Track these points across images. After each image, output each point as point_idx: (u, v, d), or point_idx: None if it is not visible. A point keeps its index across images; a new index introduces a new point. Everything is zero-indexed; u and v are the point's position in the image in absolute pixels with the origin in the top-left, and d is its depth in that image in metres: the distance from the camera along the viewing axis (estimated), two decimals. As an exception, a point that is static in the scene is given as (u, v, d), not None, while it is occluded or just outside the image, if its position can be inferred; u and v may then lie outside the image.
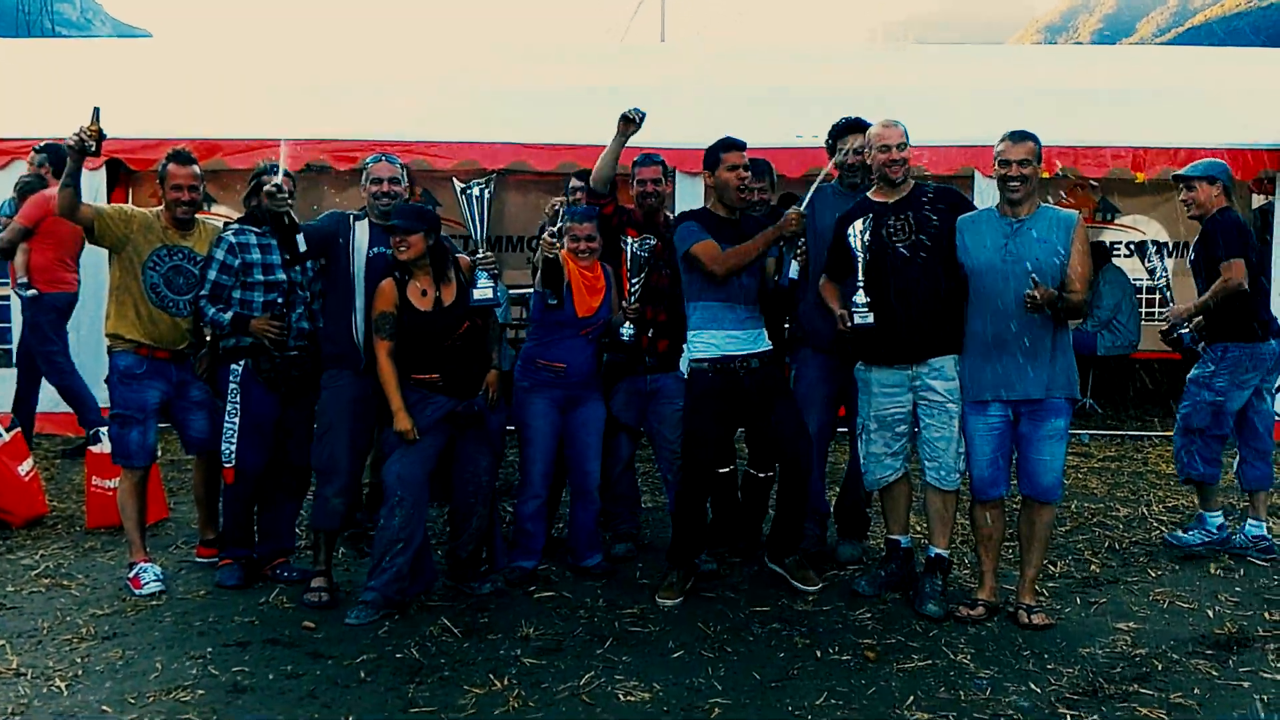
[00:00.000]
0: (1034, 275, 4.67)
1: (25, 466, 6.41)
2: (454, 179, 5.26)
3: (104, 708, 3.99)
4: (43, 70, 10.63)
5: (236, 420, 5.28)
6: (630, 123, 5.42)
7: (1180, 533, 6.16)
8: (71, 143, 4.97)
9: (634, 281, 5.40)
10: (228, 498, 5.40)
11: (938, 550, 5.18)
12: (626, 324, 5.42)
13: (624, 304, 5.44)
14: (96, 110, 5.02)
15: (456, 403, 5.02)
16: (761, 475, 5.57)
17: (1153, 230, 12.53)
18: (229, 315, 5.21)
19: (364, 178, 5.32)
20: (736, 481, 5.81)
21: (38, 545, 5.97)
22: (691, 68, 10.98)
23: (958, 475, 5.08)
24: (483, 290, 5.04)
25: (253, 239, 5.26)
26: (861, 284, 5.00)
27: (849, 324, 5.01)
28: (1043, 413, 4.85)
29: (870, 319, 4.97)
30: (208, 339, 5.55)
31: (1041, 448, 4.87)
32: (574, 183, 6.35)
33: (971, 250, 4.91)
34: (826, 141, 5.72)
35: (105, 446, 6.17)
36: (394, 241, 4.94)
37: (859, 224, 4.99)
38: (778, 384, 5.28)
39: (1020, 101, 9.59)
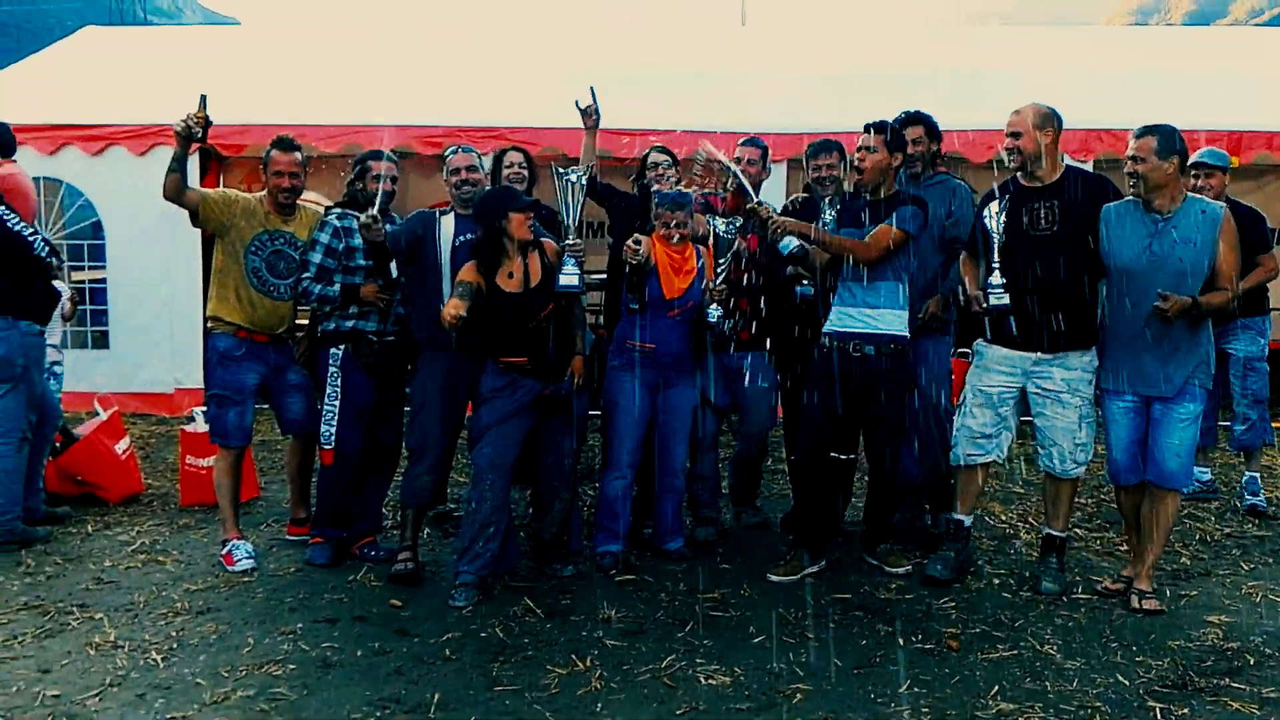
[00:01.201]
0: (1161, 292, 4.59)
1: (122, 445, 6.59)
2: (552, 165, 5.31)
3: (199, 680, 4.09)
4: (136, 57, 10.87)
5: (337, 404, 5.40)
6: (586, 114, 5.55)
7: (1257, 499, 6.56)
8: (179, 129, 5.16)
9: (720, 263, 5.36)
10: (324, 479, 5.50)
11: (1050, 530, 5.19)
12: (714, 305, 5.36)
13: (709, 286, 5.39)
14: (204, 98, 5.20)
15: (544, 385, 5.05)
16: (845, 458, 5.47)
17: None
18: (337, 288, 5.32)
19: (444, 169, 5.42)
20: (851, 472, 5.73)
21: (133, 522, 6.14)
22: (772, 50, 10.91)
23: (1076, 465, 5.03)
24: (568, 276, 5.07)
25: (355, 224, 5.34)
26: (997, 265, 4.95)
27: (984, 304, 4.97)
28: (1176, 398, 4.80)
29: (1006, 300, 4.92)
30: (306, 323, 5.67)
31: (1171, 431, 4.81)
32: (653, 157, 6.17)
33: (1114, 246, 4.83)
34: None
35: (200, 425, 6.34)
36: (522, 220, 4.96)
37: (995, 205, 4.95)
38: (893, 376, 5.15)
39: (1108, 84, 9.42)
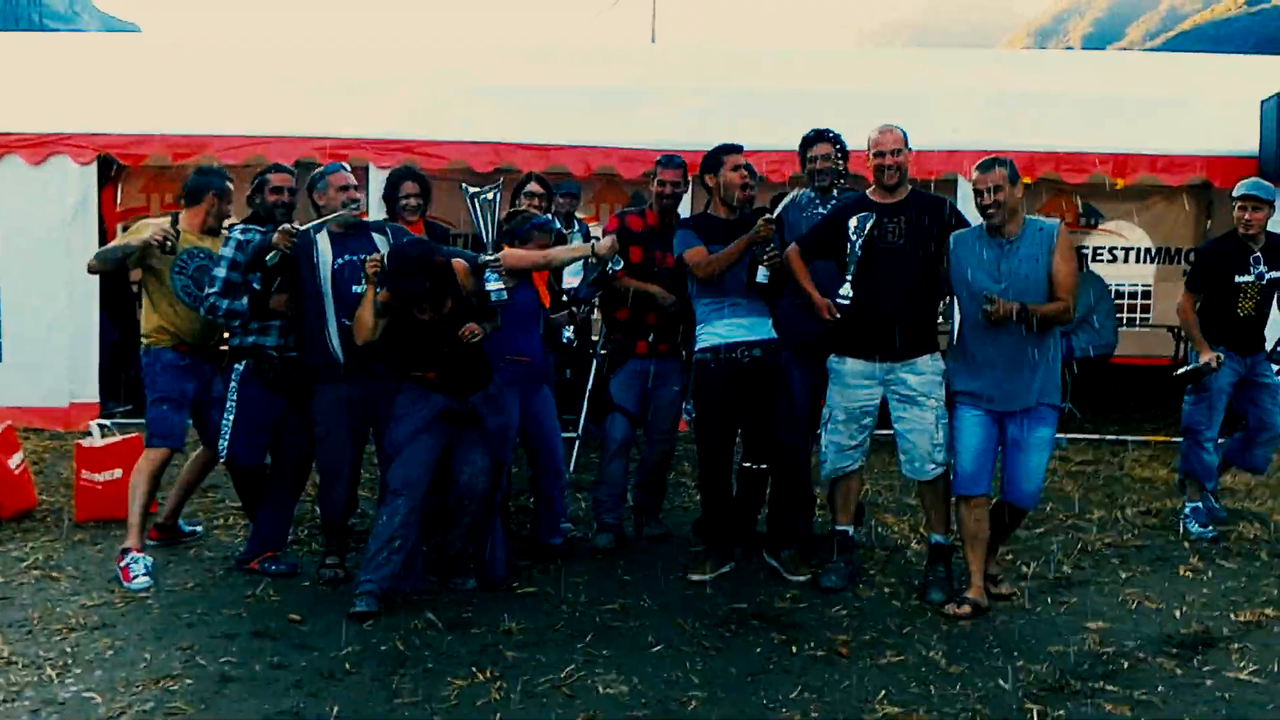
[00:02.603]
0: (987, 294, 4.86)
1: (15, 459, 6.47)
2: (463, 185, 5.39)
3: (94, 696, 4.07)
4: (34, 65, 10.65)
5: (232, 418, 5.44)
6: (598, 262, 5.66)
7: None
8: (156, 241, 5.34)
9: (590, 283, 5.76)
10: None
11: (937, 538, 5.38)
12: (569, 328, 5.76)
13: (572, 309, 5.79)
14: (175, 215, 5.59)
15: (452, 401, 5.11)
16: (756, 468, 5.68)
17: (1135, 236, 12.70)
18: (245, 301, 5.32)
19: (322, 186, 5.34)
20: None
21: (27, 538, 6.04)
22: (680, 68, 11.06)
23: (933, 466, 5.23)
24: (496, 291, 5.08)
25: (257, 237, 5.35)
26: (850, 277, 5.16)
27: (832, 314, 5.17)
28: (1031, 421, 5.04)
29: (849, 297, 5.14)
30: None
31: (1030, 454, 5.06)
32: (530, 186, 6.42)
33: (963, 269, 5.06)
34: (798, 150, 5.94)
35: (96, 440, 6.28)
36: (404, 299, 4.91)
37: (856, 220, 5.16)
38: (777, 376, 5.48)
39: (1002, 106, 9.72)
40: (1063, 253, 4.96)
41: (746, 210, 5.64)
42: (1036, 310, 4.86)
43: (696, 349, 5.52)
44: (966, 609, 5.06)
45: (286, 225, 5.18)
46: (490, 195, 5.21)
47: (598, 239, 5.70)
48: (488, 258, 5.15)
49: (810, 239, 5.42)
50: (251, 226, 5.44)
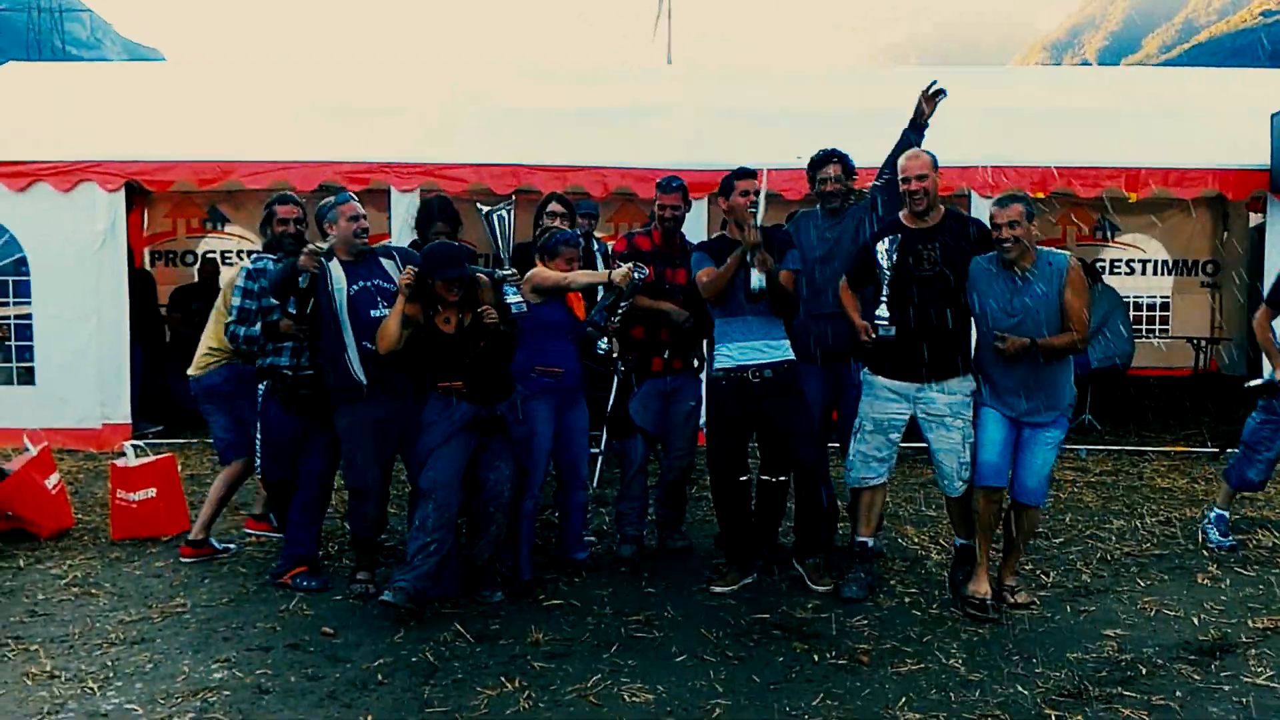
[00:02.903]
0: (997, 333, 5.06)
1: (52, 480, 6.62)
2: (478, 204, 5.61)
3: (135, 708, 4.19)
4: (61, 94, 10.87)
5: (258, 437, 5.68)
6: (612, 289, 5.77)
7: None
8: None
9: (621, 305, 5.77)
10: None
11: (963, 540, 5.54)
12: (604, 340, 5.81)
13: (607, 321, 5.82)
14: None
15: (479, 409, 5.27)
16: (775, 480, 5.80)
17: (1152, 249, 12.75)
18: (258, 327, 5.57)
19: (332, 216, 5.46)
20: (749, 491, 6.00)
21: (65, 556, 6.18)
22: (695, 89, 11.20)
23: (960, 484, 5.36)
24: (517, 304, 5.32)
25: (269, 265, 5.58)
26: (885, 299, 5.29)
27: (872, 336, 5.29)
28: (1043, 424, 5.22)
29: (893, 332, 5.28)
30: None
31: (1036, 453, 5.24)
32: (552, 206, 6.74)
33: (981, 298, 5.20)
34: (807, 172, 6.08)
35: (130, 460, 6.42)
36: (445, 286, 5.17)
37: (885, 243, 5.28)
38: (792, 392, 5.56)
39: (1015, 122, 9.81)
40: (1074, 288, 5.09)
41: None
42: (1047, 345, 5.02)
43: (713, 369, 5.67)
44: (1024, 595, 5.39)
45: (312, 246, 5.32)
46: (503, 212, 5.44)
47: (619, 264, 5.80)
48: (504, 272, 5.34)
49: (851, 268, 5.56)
50: (265, 255, 5.69)
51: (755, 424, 5.60)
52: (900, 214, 5.49)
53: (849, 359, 5.82)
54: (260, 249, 5.98)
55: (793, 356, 5.60)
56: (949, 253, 5.30)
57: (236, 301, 5.63)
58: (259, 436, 5.75)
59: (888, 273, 5.27)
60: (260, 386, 5.71)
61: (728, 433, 5.62)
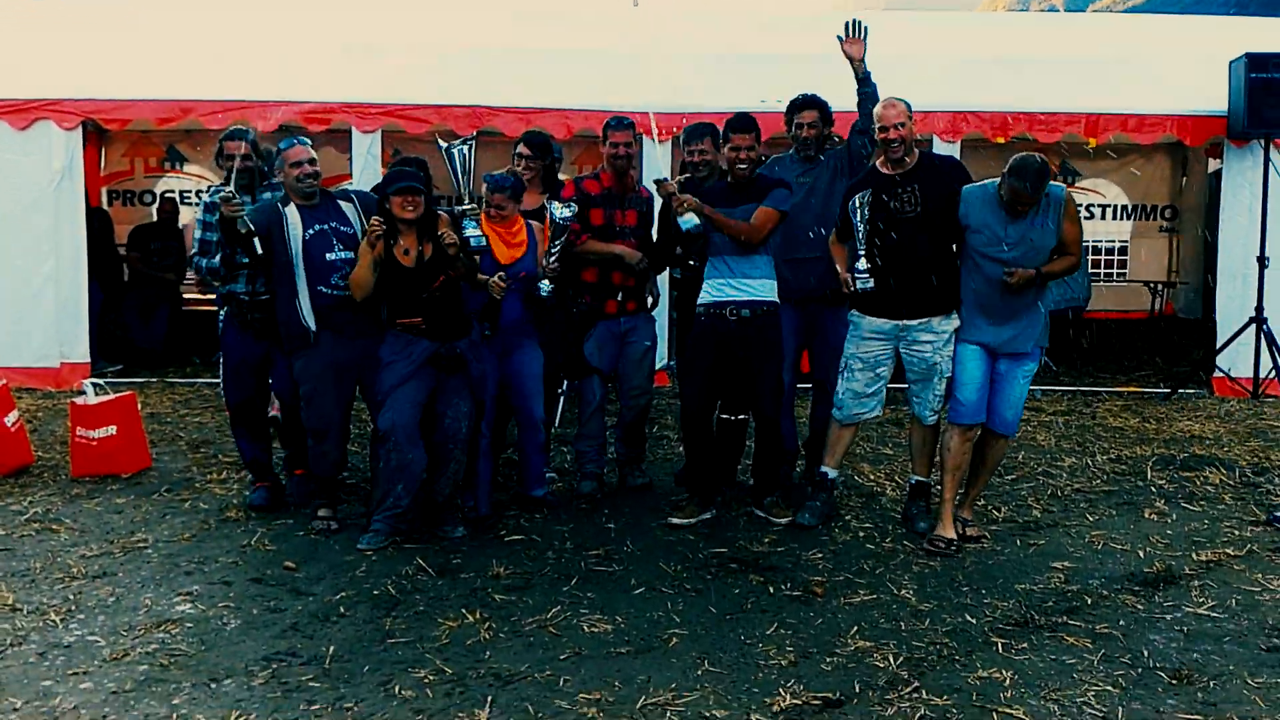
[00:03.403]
0: (1006, 269, 5.16)
1: (11, 418, 6.59)
2: (438, 139, 5.59)
3: (98, 639, 4.23)
4: (16, 30, 10.66)
5: (220, 360, 5.87)
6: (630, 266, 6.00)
7: None
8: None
9: (554, 244, 5.71)
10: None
11: (919, 478, 5.71)
12: (545, 281, 5.74)
13: (543, 263, 5.73)
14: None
15: (438, 345, 5.31)
16: (735, 419, 5.94)
17: (1113, 193, 12.87)
18: (218, 259, 5.60)
19: (279, 163, 5.50)
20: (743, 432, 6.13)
21: (24, 493, 6.18)
22: (661, 32, 11.14)
23: (931, 414, 5.54)
24: (476, 237, 5.35)
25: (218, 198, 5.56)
26: (862, 251, 5.37)
27: (852, 287, 5.39)
28: (1020, 355, 5.39)
29: (871, 284, 5.36)
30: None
31: (1013, 385, 5.42)
32: (520, 148, 6.45)
33: (975, 227, 5.29)
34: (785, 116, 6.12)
35: (90, 398, 6.42)
36: (401, 201, 5.21)
37: (857, 199, 5.35)
38: (767, 341, 5.64)
39: (976, 68, 9.86)
40: (1071, 216, 5.27)
41: (698, 175, 5.91)
42: (1050, 271, 5.23)
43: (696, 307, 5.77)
44: (975, 529, 5.51)
45: (224, 191, 5.26)
46: (464, 147, 5.43)
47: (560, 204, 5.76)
48: (464, 206, 5.39)
49: (840, 227, 5.61)
50: (221, 187, 5.60)
51: (726, 363, 5.66)
52: (876, 161, 5.56)
53: (824, 302, 5.93)
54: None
55: (775, 299, 5.66)
56: (928, 193, 5.37)
57: (198, 234, 5.72)
58: (220, 362, 5.90)
59: (863, 227, 5.33)
60: (221, 314, 5.83)
61: (701, 370, 5.69)
